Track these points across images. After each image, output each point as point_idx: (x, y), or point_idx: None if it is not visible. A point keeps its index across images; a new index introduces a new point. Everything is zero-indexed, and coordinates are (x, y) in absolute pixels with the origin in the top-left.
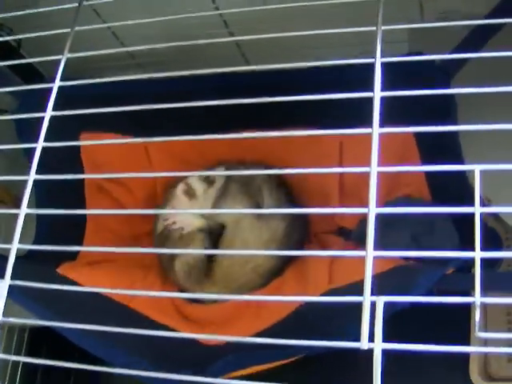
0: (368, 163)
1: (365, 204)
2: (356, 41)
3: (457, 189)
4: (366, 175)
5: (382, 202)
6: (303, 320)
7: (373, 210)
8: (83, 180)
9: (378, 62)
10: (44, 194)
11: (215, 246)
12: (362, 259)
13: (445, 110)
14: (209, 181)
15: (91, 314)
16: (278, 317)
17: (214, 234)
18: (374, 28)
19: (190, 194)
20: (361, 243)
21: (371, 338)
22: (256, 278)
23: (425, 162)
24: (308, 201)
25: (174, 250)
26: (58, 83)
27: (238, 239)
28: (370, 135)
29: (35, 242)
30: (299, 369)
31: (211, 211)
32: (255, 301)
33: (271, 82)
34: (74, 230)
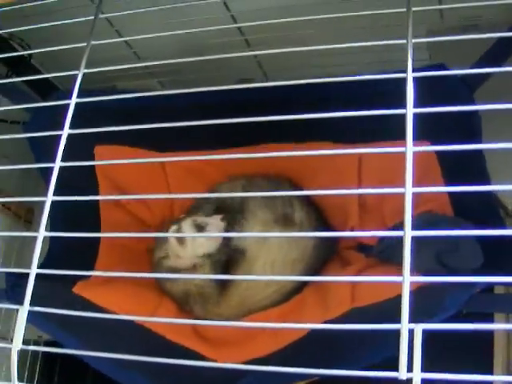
0: (389, 178)
1: (386, 219)
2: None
3: (480, 205)
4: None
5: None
6: (324, 339)
7: (409, 233)
8: (97, 193)
9: (410, 76)
10: (58, 206)
11: (228, 268)
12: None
13: (468, 125)
14: (200, 227)
15: (107, 334)
16: (296, 336)
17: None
18: (404, 41)
19: (180, 240)
20: (383, 259)
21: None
22: (277, 298)
23: (447, 179)
24: (328, 216)
25: (189, 275)
26: (74, 99)
27: (261, 259)
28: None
29: (47, 259)
30: None
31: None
32: (274, 318)
33: (290, 96)
34: (88, 246)
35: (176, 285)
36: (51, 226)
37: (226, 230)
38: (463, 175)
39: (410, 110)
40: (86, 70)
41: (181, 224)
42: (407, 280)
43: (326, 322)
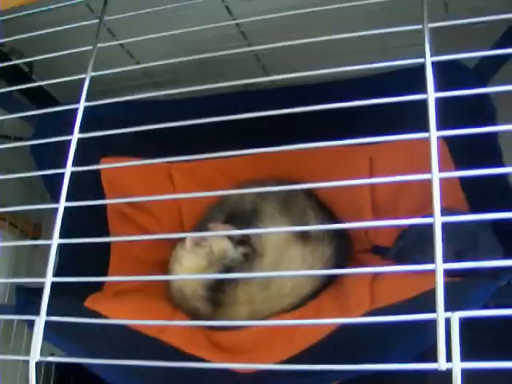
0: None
1: (402, 217)
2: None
3: (497, 198)
4: (400, 189)
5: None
6: (342, 342)
7: (438, 219)
8: (106, 208)
9: (429, 61)
10: (66, 225)
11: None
12: (406, 277)
13: (481, 115)
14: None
15: (121, 348)
16: (312, 340)
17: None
18: (420, 26)
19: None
20: (399, 260)
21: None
22: (291, 301)
23: (460, 168)
24: (342, 221)
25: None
26: (83, 103)
27: (281, 269)
28: (405, 148)
29: (58, 274)
30: None
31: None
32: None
33: (297, 96)
34: (98, 259)
35: (186, 301)
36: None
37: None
38: (477, 163)
39: (432, 95)
40: (93, 74)
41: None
42: (440, 267)
43: (342, 327)
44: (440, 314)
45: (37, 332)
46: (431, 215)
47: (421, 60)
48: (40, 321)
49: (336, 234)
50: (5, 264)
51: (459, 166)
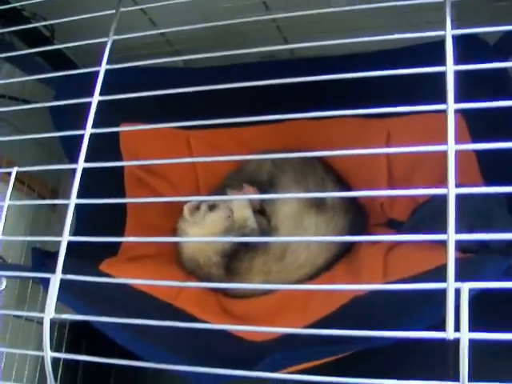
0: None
1: (416, 198)
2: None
3: None
4: (417, 164)
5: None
6: (359, 311)
7: (452, 190)
8: (123, 174)
9: (449, 34)
10: (83, 190)
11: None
12: (421, 251)
13: (500, 90)
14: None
15: (134, 312)
16: (326, 311)
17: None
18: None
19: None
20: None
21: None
22: (306, 272)
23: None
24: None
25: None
26: (104, 66)
27: (295, 242)
28: (423, 123)
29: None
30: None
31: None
32: (302, 294)
33: (315, 68)
34: (115, 224)
35: (199, 268)
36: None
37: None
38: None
39: (451, 68)
40: (115, 37)
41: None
42: (452, 237)
43: (356, 297)
44: (450, 284)
45: (52, 289)
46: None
47: (441, 33)
48: (55, 279)
49: (351, 207)
50: (22, 228)
51: (476, 140)
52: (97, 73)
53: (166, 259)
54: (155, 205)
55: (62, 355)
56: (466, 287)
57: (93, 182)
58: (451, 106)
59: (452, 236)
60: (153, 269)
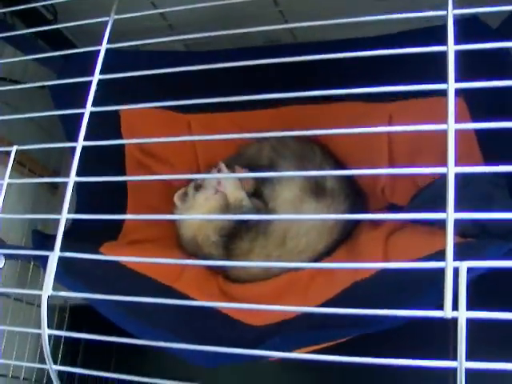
0: (420, 137)
1: (418, 179)
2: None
3: None
4: (418, 148)
5: (431, 178)
6: (359, 297)
7: (452, 170)
8: (124, 157)
9: (450, 13)
10: (83, 171)
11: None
12: (421, 237)
13: (502, 71)
14: (198, 186)
15: (133, 293)
16: (326, 296)
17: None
18: None
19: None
20: (415, 221)
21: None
22: (306, 258)
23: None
24: (358, 179)
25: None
26: (105, 45)
27: (294, 227)
28: (425, 107)
29: (74, 220)
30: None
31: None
32: (302, 280)
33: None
34: (115, 206)
35: (199, 249)
36: (77, 191)
37: (256, 189)
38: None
39: (452, 47)
40: (116, 16)
41: (187, 188)
42: (451, 216)
43: (356, 283)
44: (449, 263)
45: (50, 267)
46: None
47: (443, 12)
48: (54, 256)
49: (351, 192)
50: (22, 210)
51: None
52: (97, 52)
53: (167, 243)
54: (155, 188)
55: (59, 332)
56: (465, 266)
57: (93, 164)
58: (452, 85)
59: (451, 215)
60: (153, 253)
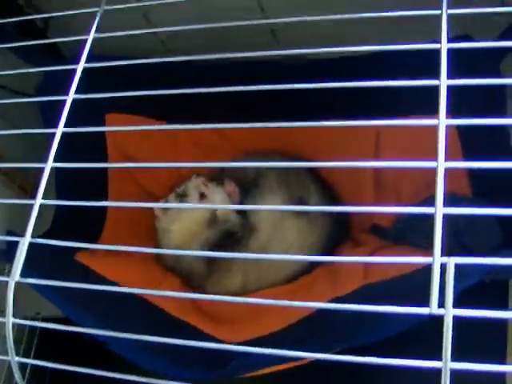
0: (408, 156)
1: (403, 201)
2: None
3: (500, 186)
4: (405, 171)
5: (421, 197)
6: (340, 311)
7: (440, 210)
8: (106, 171)
9: (444, 47)
10: (64, 175)
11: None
12: (404, 253)
13: (492, 100)
14: (181, 196)
15: (107, 304)
16: (305, 312)
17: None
18: (439, 11)
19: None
20: (398, 240)
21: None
22: (286, 277)
23: (467, 157)
24: (343, 199)
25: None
26: (82, 64)
27: (275, 242)
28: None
29: (53, 226)
30: None
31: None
32: (282, 295)
33: (307, 70)
34: (95, 216)
35: (180, 260)
36: (57, 195)
37: (240, 202)
38: (484, 153)
39: (444, 82)
40: (96, 35)
41: (168, 196)
42: (440, 211)
43: (335, 300)
44: (436, 258)
45: (20, 253)
46: (434, 199)
47: (437, 45)
48: (24, 241)
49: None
50: None
51: (467, 151)
52: (84, 41)
53: (144, 255)
54: (136, 199)
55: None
56: (452, 262)
57: (76, 170)
58: (443, 122)
59: (440, 210)
60: (130, 262)
